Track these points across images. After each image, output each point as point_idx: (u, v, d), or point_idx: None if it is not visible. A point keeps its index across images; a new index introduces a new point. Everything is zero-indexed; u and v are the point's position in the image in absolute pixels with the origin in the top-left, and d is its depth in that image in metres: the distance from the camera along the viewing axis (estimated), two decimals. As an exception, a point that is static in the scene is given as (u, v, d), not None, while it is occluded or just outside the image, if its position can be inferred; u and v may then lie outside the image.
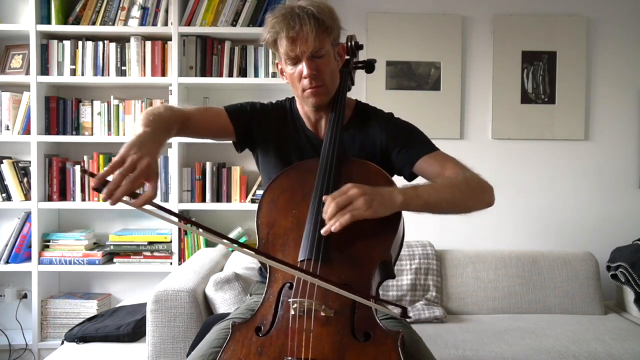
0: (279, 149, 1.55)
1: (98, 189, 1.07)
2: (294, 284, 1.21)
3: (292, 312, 1.16)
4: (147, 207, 1.12)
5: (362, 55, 1.71)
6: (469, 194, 1.37)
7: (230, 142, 1.59)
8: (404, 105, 3.10)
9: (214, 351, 1.27)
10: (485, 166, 3.12)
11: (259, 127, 1.56)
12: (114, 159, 1.12)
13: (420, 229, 3.11)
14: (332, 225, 1.19)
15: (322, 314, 1.15)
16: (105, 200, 1.08)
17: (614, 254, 2.79)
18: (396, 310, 1.21)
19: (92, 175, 1.09)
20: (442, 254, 2.79)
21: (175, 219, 1.18)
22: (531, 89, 3.15)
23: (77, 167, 2.99)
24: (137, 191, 1.11)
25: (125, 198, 1.09)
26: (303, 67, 1.41)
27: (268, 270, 1.28)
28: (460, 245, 3.00)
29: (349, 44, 1.62)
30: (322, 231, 1.22)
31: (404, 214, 1.34)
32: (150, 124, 1.27)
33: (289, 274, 1.22)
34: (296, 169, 1.43)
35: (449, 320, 2.57)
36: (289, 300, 1.18)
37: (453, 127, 3.13)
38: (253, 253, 1.21)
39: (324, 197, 1.24)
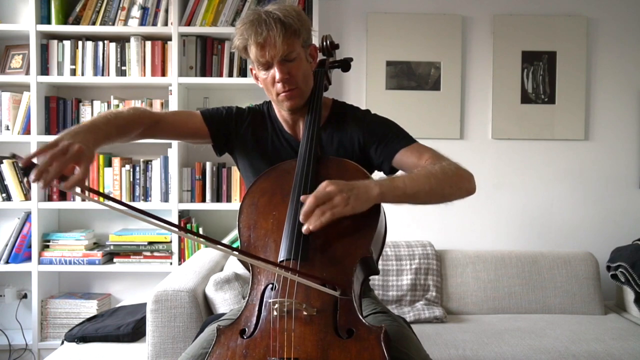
0: (258, 153, 1.56)
1: (25, 170, 1.07)
2: (276, 285, 1.22)
3: (274, 312, 1.16)
4: (118, 206, 1.14)
5: (347, 56, 1.71)
6: (446, 182, 1.34)
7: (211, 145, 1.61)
8: (404, 105, 3.10)
9: (203, 352, 1.28)
10: (485, 166, 3.18)
11: (235, 131, 1.58)
12: (48, 142, 1.13)
13: (420, 229, 3.12)
14: (312, 224, 1.19)
15: (304, 313, 1.15)
16: (34, 181, 1.07)
17: (614, 254, 2.78)
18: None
19: (19, 157, 1.10)
20: (442, 254, 2.79)
21: (141, 215, 1.15)
22: (531, 89, 3.15)
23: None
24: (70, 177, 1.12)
25: (55, 182, 1.09)
26: (275, 72, 1.42)
27: (251, 273, 1.28)
28: (460, 245, 3.00)
29: (324, 43, 1.63)
30: (303, 230, 1.21)
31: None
32: (100, 118, 1.30)
33: (272, 275, 1.23)
34: (275, 170, 1.44)
35: (449, 320, 2.57)
36: (270, 300, 1.18)
37: (453, 127, 3.13)
38: (231, 251, 1.22)
39: (302, 197, 1.24)
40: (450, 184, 1.35)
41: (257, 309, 1.21)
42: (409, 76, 3.13)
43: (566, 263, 2.76)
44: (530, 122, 3.15)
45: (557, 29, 3.14)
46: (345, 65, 1.68)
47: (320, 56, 1.62)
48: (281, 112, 1.57)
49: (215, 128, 1.56)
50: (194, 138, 1.60)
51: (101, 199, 1.22)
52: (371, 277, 1.50)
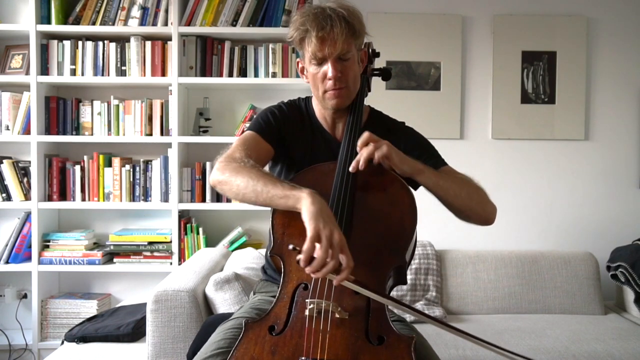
0: (297, 150, 1.55)
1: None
2: (310, 285, 1.22)
3: (307, 312, 1.16)
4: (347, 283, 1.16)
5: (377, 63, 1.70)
6: (475, 197, 1.46)
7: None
8: (404, 105, 3.10)
9: (221, 352, 1.26)
10: (485, 166, 3.18)
11: (285, 130, 1.55)
12: (310, 235, 1.15)
13: (420, 229, 3.11)
14: (364, 156, 1.29)
15: (337, 315, 1.16)
16: (313, 275, 1.15)
17: (614, 254, 2.79)
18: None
19: (298, 252, 1.15)
20: (442, 254, 2.79)
21: (377, 296, 1.18)
22: (531, 89, 3.15)
23: (78, 167, 2.99)
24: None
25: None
26: (328, 69, 1.42)
27: (283, 270, 1.28)
28: (460, 245, 3.00)
29: (368, 50, 1.62)
30: (352, 165, 1.31)
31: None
32: (279, 181, 1.30)
33: (305, 275, 1.21)
34: (313, 170, 1.43)
35: (449, 320, 2.57)
36: (306, 300, 1.18)
37: (453, 127, 3.13)
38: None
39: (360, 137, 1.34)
40: (478, 200, 1.48)
41: (287, 306, 1.21)
42: (409, 76, 3.13)
43: (566, 263, 2.76)
44: (530, 122, 3.15)
45: (557, 29, 3.14)
46: (387, 74, 1.66)
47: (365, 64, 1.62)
48: (321, 111, 1.57)
49: (275, 140, 1.52)
50: (265, 162, 1.54)
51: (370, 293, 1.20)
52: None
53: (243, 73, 3.02)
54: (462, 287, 2.71)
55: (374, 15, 3.12)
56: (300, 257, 1.13)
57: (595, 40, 3.16)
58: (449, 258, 2.77)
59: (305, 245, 1.12)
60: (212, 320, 1.75)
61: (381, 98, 3.07)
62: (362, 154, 1.30)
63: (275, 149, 1.52)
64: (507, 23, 3.14)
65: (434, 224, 3.13)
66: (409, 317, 2.49)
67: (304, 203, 1.20)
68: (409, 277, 2.66)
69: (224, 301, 2.10)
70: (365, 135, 1.33)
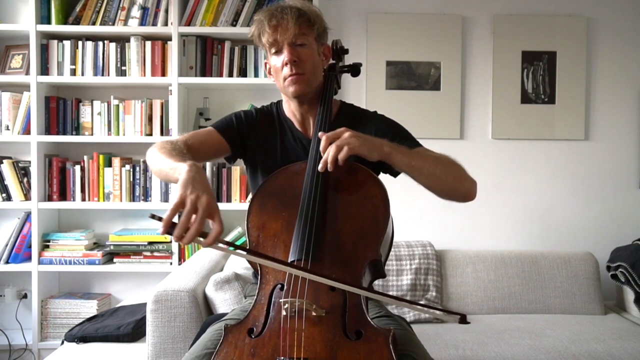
0: (267, 153, 1.58)
1: (168, 233, 1.10)
2: (285, 285, 1.22)
3: (284, 312, 1.16)
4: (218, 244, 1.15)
5: (349, 59, 1.72)
6: (451, 172, 1.42)
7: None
8: (404, 105, 3.10)
9: (207, 352, 1.27)
10: (485, 166, 3.17)
11: (248, 134, 1.59)
12: (175, 201, 1.12)
13: (420, 229, 3.13)
14: (330, 156, 1.26)
15: (314, 313, 1.16)
16: (177, 241, 1.11)
17: (614, 254, 2.79)
18: (452, 317, 1.21)
19: (159, 219, 1.10)
20: (442, 254, 2.79)
21: (244, 252, 1.19)
22: (531, 89, 3.15)
23: (78, 167, 2.99)
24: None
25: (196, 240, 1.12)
26: (284, 54, 1.46)
27: (259, 272, 1.28)
28: (460, 245, 3.00)
29: (335, 47, 1.65)
30: (319, 167, 1.29)
31: (395, 215, 1.35)
32: (181, 156, 1.30)
33: (281, 275, 1.23)
34: (284, 171, 1.44)
35: (449, 320, 2.57)
36: (280, 300, 1.18)
37: (453, 127, 3.13)
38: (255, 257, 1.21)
39: (320, 134, 1.32)
40: (454, 175, 1.42)
41: (265, 308, 1.21)
42: (409, 76, 3.13)
43: (566, 263, 2.76)
44: (530, 122, 3.15)
45: (557, 29, 3.14)
46: (355, 70, 1.69)
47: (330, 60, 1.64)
48: (290, 108, 1.59)
49: (233, 139, 1.56)
50: (216, 156, 1.59)
51: (241, 251, 1.20)
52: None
53: (243, 73, 3.02)
54: (462, 287, 2.71)
55: (374, 15, 3.12)
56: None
57: (595, 40, 3.16)
58: (449, 258, 2.77)
59: (167, 213, 1.10)
60: (212, 320, 1.74)
61: (381, 98, 3.08)
62: (329, 155, 1.28)
63: (230, 145, 1.55)
64: (507, 23, 3.14)
65: (434, 224, 3.15)
66: (409, 317, 2.49)
67: (181, 172, 1.18)
68: (408, 277, 2.66)
69: (224, 301, 2.10)
70: (325, 137, 1.30)
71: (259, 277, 1.28)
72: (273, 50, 1.48)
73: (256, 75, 3.01)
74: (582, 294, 2.71)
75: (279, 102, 1.65)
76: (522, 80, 3.15)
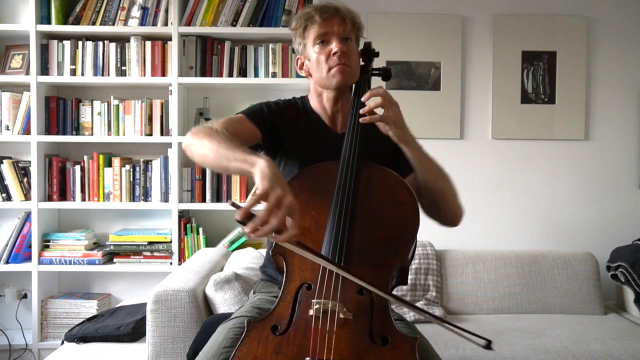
0: (296, 143, 1.56)
1: (242, 223, 1.07)
2: (313, 285, 1.22)
3: (312, 312, 1.16)
4: (287, 245, 1.13)
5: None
6: (449, 189, 1.50)
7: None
8: (404, 105, 3.04)
9: (224, 351, 1.26)
10: (485, 166, 3.17)
11: (280, 123, 1.57)
12: (258, 193, 1.10)
13: (420, 229, 3.11)
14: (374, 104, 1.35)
15: (342, 316, 1.16)
16: (249, 232, 1.07)
17: (614, 254, 2.78)
18: (480, 342, 1.20)
19: (237, 207, 1.07)
20: (442, 254, 2.79)
21: (315, 257, 1.16)
22: (531, 89, 3.15)
23: (78, 167, 2.99)
24: None
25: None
26: (333, 45, 1.48)
27: (285, 270, 1.27)
28: (460, 245, 2.99)
29: (367, 49, 1.64)
30: (363, 110, 1.40)
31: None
32: (240, 146, 1.27)
33: (308, 275, 1.23)
34: (316, 169, 1.42)
35: (449, 320, 2.57)
36: (312, 300, 1.18)
37: (453, 127, 3.13)
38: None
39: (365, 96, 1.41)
40: (452, 188, 1.50)
41: (290, 306, 1.20)
42: (409, 76, 3.13)
43: (566, 263, 2.76)
44: (530, 122, 3.15)
45: (557, 29, 3.14)
46: (387, 73, 1.67)
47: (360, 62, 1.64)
48: (322, 102, 1.59)
49: (264, 126, 1.54)
50: (247, 144, 1.52)
51: (310, 254, 1.18)
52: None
53: (243, 73, 3.02)
54: (462, 287, 2.71)
55: (374, 15, 3.12)
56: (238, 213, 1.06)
57: (595, 40, 3.16)
58: (449, 258, 2.77)
59: (248, 201, 1.10)
60: (212, 320, 1.75)
61: (381, 98, 3.08)
62: (377, 103, 1.38)
63: (262, 133, 1.53)
64: (507, 23, 3.14)
65: (433, 224, 3.14)
66: (409, 317, 2.49)
67: (259, 166, 1.16)
68: (409, 277, 2.66)
69: (224, 301, 2.10)
70: (384, 91, 1.42)
71: (285, 275, 1.27)
72: (319, 42, 1.50)
73: (256, 75, 3.01)
74: (582, 294, 2.71)
75: (303, 97, 1.65)
76: (522, 80, 3.15)
